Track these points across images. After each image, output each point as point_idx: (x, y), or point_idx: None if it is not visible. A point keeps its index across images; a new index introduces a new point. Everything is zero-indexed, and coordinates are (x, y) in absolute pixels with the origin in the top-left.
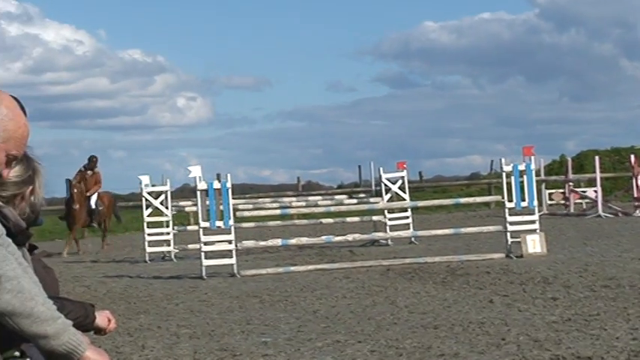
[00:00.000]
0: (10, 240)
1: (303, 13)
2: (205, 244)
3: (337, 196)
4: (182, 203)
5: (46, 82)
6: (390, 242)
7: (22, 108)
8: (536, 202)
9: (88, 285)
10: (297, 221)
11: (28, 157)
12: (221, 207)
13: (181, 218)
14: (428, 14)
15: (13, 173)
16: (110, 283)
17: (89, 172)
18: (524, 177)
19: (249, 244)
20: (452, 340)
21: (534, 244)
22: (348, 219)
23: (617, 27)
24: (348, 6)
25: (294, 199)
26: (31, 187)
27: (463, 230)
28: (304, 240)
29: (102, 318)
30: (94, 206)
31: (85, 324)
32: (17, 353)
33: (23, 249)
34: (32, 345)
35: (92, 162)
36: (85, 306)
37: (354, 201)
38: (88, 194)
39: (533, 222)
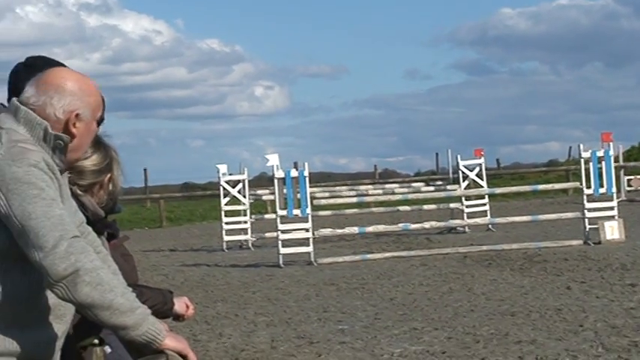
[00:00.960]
0: (90, 229)
1: (380, 1)
2: (282, 232)
3: (414, 184)
4: (259, 192)
5: (124, 72)
6: (467, 229)
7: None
8: (614, 189)
9: (166, 273)
10: (374, 209)
11: (105, 145)
12: (298, 195)
13: (259, 207)
14: (505, 1)
15: (91, 162)
16: (188, 272)
17: None
18: (603, 163)
19: (326, 232)
20: (529, 327)
21: (612, 231)
22: (425, 206)
23: None
24: None
25: (370, 186)
26: (109, 175)
27: (541, 217)
28: (381, 228)
29: (180, 304)
30: None
31: (163, 310)
32: (96, 341)
33: (102, 237)
34: (111, 332)
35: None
36: (163, 293)
37: (431, 188)
38: None
39: (611, 208)
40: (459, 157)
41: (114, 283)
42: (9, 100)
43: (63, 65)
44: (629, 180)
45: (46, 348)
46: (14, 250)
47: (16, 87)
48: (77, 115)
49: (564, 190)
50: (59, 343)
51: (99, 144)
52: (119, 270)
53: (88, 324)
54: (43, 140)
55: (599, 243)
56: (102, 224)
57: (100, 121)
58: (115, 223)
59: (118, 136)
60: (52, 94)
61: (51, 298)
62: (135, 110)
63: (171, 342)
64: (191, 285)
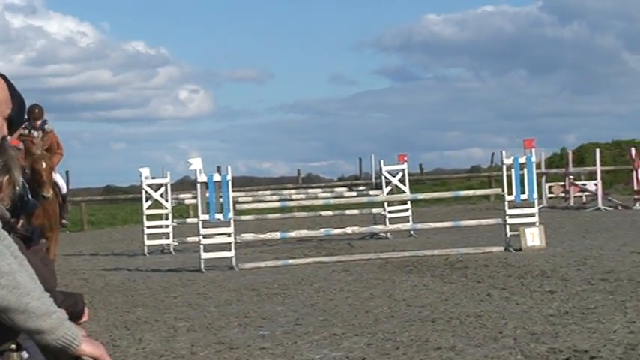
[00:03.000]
0: (6, 233)
1: (306, 6)
2: (204, 236)
3: (337, 189)
4: (182, 196)
5: (48, 74)
6: (389, 235)
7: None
8: (535, 196)
9: (86, 278)
10: (296, 214)
11: (2, 145)
12: (221, 200)
13: (181, 211)
14: (430, 7)
15: None
16: (108, 276)
17: (36, 134)
18: (525, 170)
19: (248, 237)
20: (449, 333)
21: (533, 238)
22: (348, 212)
23: (619, 20)
24: None
25: (293, 191)
26: (7, 176)
27: (462, 223)
28: (303, 233)
29: None
30: (64, 191)
31: (76, 311)
32: (13, 346)
33: (19, 241)
34: (28, 337)
35: (35, 114)
36: (73, 294)
37: (354, 194)
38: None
39: (532, 215)
40: (382, 162)
41: (30, 286)
42: None
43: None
44: (550, 187)
45: None
46: None
47: None
48: None
49: (486, 197)
50: None
51: None
52: (38, 275)
53: (5, 329)
54: None
55: (520, 249)
56: (8, 227)
57: (13, 121)
58: (37, 229)
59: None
60: None
61: None
62: (58, 112)
63: (87, 347)
64: (111, 289)
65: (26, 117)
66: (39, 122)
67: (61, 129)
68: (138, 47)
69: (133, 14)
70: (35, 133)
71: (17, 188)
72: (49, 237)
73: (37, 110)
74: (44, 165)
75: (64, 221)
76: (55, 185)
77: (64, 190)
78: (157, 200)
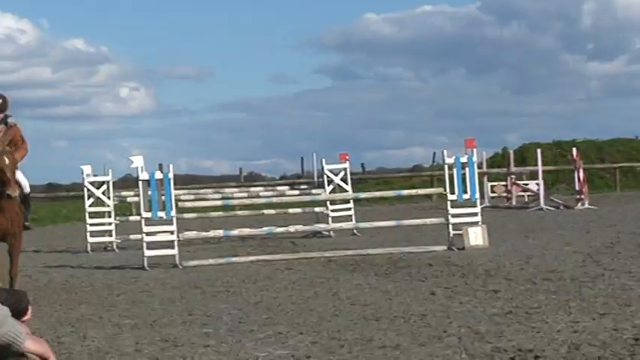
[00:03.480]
0: None
1: (246, 4)
2: (147, 234)
3: (279, 188)
4: (124, 193)
5: None
6: (332, 234)
7: None
8: (478, 195)
9: (30, 274)
10: (239, 212)
11: None
12: (163, 197)
13: (123, 209)
14: (369, 6)
15: None
16: (52, 273)
17: None
18: (467, 169)
19: (191, 234)
20: (393, 333)
21: (476, 237)
22: (290, 210)
23: (558, 20)
24: None
25: (236, 190)
26: None
27: (405, 222)
28: (246, 231)
29: None
30: (27, 190)
31: (19, 309)
32: None
33: None
34: None
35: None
36: (16, 292)
37: (296, 192)
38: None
39: (475, 214)
40: (324, 161)
41: None
42: None
43: None
44: (492, 186)
45: None
46: None
47: None
48: None
49: (428, 196)
50: None
51: None
52: None
53: None
54: None
55: (463, 249)
56: None
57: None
58: None
59: None
60: None
61: None
62: None
63: (32, 344)
64: (55, 287)
65: None
66: (1, 115)
67: None
68: (78, 45)
69: (72, 11)
70: None
71: None
72: (12, 243)
73: (0, 101)
74: (7, 161)
75: (26, 223)
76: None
77: (27, 189)
78: (99, 198)
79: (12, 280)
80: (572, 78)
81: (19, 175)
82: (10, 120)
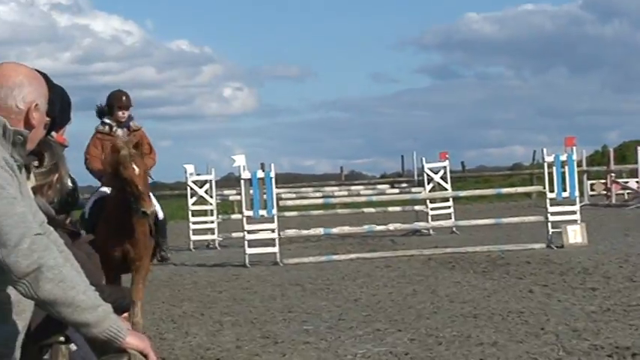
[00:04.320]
0: (51, 228)
1: (348, 4)
2: (249, 232)
3: (379, 186)
4: (226, 192)
5: (94, 72)
6: (431, 232)
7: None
8: (577, 193)
9: None
10: (339, 210)
11: (51, 145)
12: (264, 196)
13: (225, 207)
14: (470, 6)
15: (38, 163)
16: (155, 271)
17: (120, 132)
18: (566, 167)
19: (291, 232)
20: (491, 330)
21: (575, 235)
22: (390, 208)
23: None
24: None
25: (336, 188)
26: (57, 175)
27: (504, 220)
28: (346, 229)
29: None
30: (160, 215)
31: (123, 305)
32: (62, 338)
33: (65, 236)
34: (76, 330)
35: (122, 102)
36: (121, 288)
37: (396, 191)
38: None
39: (574, 212)
40: (424, 159)
41: (76, 280)
42: None
43: None
44: (592, 184)
45: (6, 344)
46: None
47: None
48: (36, 106)
49: (528, 194)
50: (20, 340)
51: (46, 144)
52: (83, 268)
53: (54, 322)
54: (2, 136)
55: (562, 247)
56: (54, 223)
57: (62, 119)
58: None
59: (88, 135)
60: (12, 87)
61: (13, 294)
62: None
63: (133, 340)
64: (158, 284)
65: (106, 107)
66: (125, 114)
67: None
68: (182, 45)
69: (176, 13)
70: (119, 132)
71: (63, 187)
72: (136, 269)
73: (124, 98)
74: (137, 171)
75: (163, 253)
76: None
77: (161, 215)
78: (201, 196)
79: (133, 307)
80: None
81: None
82: (132, 123)
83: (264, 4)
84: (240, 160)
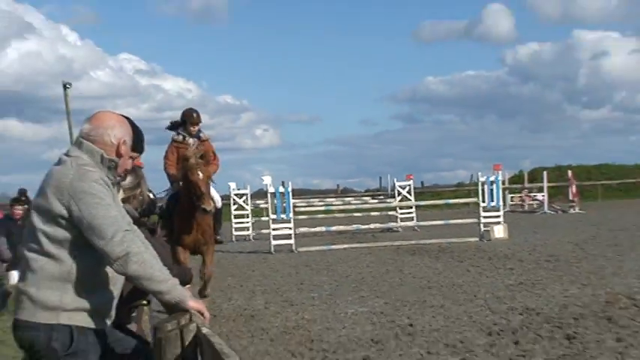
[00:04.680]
0: (135, 227)
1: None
2: (273, 229)
3: (364, 198)
4: (258, 201)
5: (165, 118)
6: (400, 229)
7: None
8: (501, 203)
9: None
10: (336, 215)
11: (134, 169)
12: (284, 204)
13: (257, 212)
14: (430, 71)
15: (127, 181)
16: None
17: (191, 141)
18: (494, 185)
19: (303, 230)
20: (440, 297)
21: (499, 232)
22: (372, 213)
23: (561, 80)
24: (375, 66)
25: (334, 199)
26: (139, 190)
27: (451, 221)
28: (341, 227)
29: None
30: (219, 205)
31: (185, 280)
32: (145, 302)
33: (146, 232)
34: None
35: (193, 119)
36: (184, 269)
37: (376, 201)
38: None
39: (498, 216)
40: (395, 179)
41: (153, 262)
42: None
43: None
44: (511, 197)
45: (105, 306)
46: (83, 241)
47: None
48: (124, 141)
49: (467, 204)
50: (114, 303)
51: (131, 169)
52: (158, 255)
53: (139, 291)
54: (101, 163)
55: (490, 240)
56: (138, 223)
57: (139, 150)
58: (154, 224)
59: (160, 163)
60: (107, 128)
61: (109, 271)
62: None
63: (193, 303)
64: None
65: (181, 122)
66: (196, 128)
67: None
68: (227, 99)
69: (223, 76)
70: (190, 140)
71: (144, 199)
72: (204, 251)
73: (194, 115)
74: (200, 175)
75: (218, 237)
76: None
77: (219, 204)
78: (240, 205)
79: (205, 283)
80: (570, 122)
81: (213, 190)
82: (202, 134)
83: (287, 67)
84: (267, 179)
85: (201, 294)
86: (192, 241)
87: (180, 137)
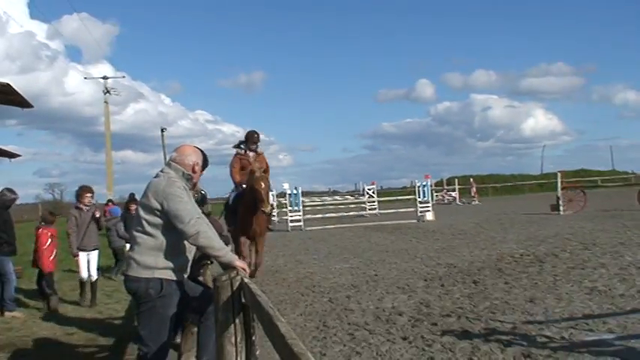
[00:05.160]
0: (203, 215)
1: (331, 107)
2: (290, 216)
3: (346, 196)
4: (280, 199)
5: (223, 149)
6: (368, 215)
7: (203, 153)
8: (430, 198)
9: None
10: (329, 207)
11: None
12: (296, 201)
13: (280, 205)
14: (384, 119)
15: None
16: None
17: (251, 154)
18: (425, 188)
19: (308, 216)
20: (394, 257)
21: (429, 216)
22: (351, 205)
23: (465, 123)
24: (352, 115)
25: (328, 197)
26: (196, 195)
27: (400, 210)
28: (332, 215)
29: None
30: (274, 206)
31: (227, 242)
32: (209, 262)
33: (205, 217)
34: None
35: (254, 138)
36: (227, 237)
37: (353, 198)
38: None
39: (428, 207)
40: (365, 184)
41: (214, 237)
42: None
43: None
44: (436, 195)
45: (183, 265)
46: (170, 224)
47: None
48: (197, 164)
49: (409, 199)
50: (189, 264)
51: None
52: (216, 230)
53: (204, 256)
54: (182, 177)
55: (424, 221)
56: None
57: (205, 166)
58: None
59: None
60: (186, 155)
61: (186, 243)
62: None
63: (239, 263)
64: None
65: (244, 140)
66: (254, 146)
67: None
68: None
69: (259, 121)
70: (250, 154)
71: (199, 194)
72: (258, 241)
73: (255, 135)
74: (263, 185)
75: (270, 226)
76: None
77: (274, 206)
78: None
79: (255, 269)
80: (470, 149)
81: (270, 196)
82: (258, 149)
83: (298, 117)
84: (286, 185)
85: (252, 276)
86: (252, 233)
87: (242, 151)
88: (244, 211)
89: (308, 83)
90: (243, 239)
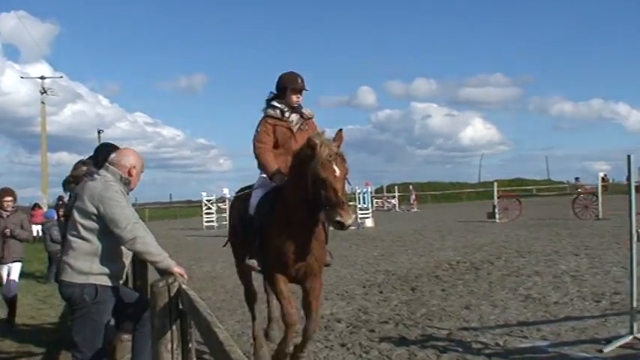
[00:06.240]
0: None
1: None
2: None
3: None
4: (220, 204)
5: (161, 152)
6: None
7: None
8: (370, 205)
9: (177, 238)
10: None
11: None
12: None
13: (220, 210)
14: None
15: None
16: (184, 238)
17: (293, 117)
18: (366, 195)
19: None
20: (334, 263)
21: (370, 222)
22: None
23: (405, 132)
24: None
25: None
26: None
27: None
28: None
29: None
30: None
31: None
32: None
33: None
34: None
35: (298, 84)
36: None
37: None
38: None
39: (368, 213)
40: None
41: (152, 242)
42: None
43: (116, 147)
44: (376, 201)
45: (119, 272)
46: (106, 229)
47: (97, 155)
48: (134, 166)
49: (349, 206)
50: (125, 270)
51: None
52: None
53: (141, 262)
54: (120, 180)
55: (364, 228)
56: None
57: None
58: None
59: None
60: (124, 157)
61: (123, 249)
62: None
63: (177, 269)
64: (187, 244)
65: (277, 89)
66: (300, 99)
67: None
68: (202, 141)
69: (199, 126)
70: (293, 116)
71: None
72: (312, 284)
73: (299, 80)
74: (337, 172)
75: (329, 260)
76: None
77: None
78: (209, 206)
79: (304, 344)
80: (410, 156)
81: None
82: (305, 110)
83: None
84: (226, 190)
85: (298, 351)
86: (302, 269)
87: (277, 112)
88: (287, 227)
89: (249, 87)
90: (280, 278)
